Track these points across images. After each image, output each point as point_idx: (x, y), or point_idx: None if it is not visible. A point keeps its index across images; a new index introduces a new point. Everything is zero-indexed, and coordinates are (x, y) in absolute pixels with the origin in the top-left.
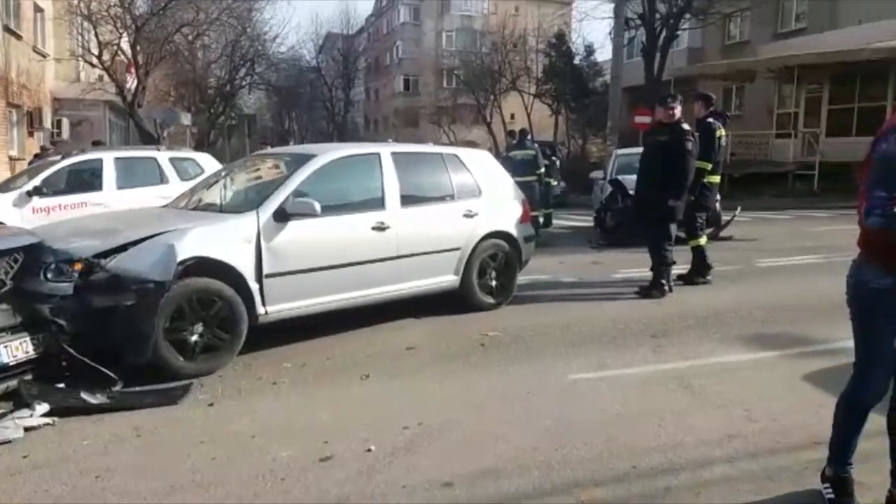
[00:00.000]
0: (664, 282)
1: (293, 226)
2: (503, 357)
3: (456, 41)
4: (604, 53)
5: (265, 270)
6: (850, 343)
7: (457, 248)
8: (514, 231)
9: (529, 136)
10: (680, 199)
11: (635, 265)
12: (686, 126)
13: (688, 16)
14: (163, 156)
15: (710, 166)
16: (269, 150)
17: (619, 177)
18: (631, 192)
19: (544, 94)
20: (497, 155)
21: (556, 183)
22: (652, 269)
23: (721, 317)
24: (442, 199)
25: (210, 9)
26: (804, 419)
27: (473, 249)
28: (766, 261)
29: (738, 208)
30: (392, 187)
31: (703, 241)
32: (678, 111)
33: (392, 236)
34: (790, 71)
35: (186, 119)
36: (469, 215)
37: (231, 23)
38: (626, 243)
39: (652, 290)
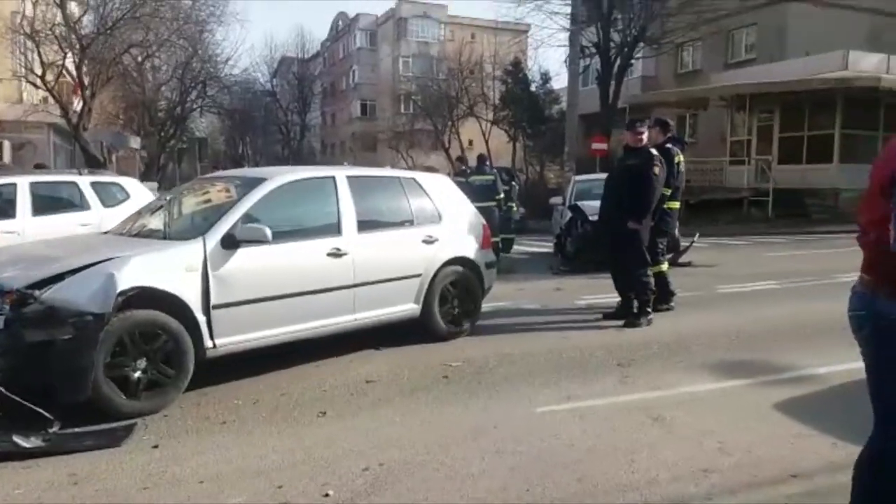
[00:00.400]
0: (649, 309)
1: (243, 253)
2: (467, 389)
3: (413, 67)
4: (560, 81)
5: (213, 301)
6: (816, 370)
7: (417, 275)
8: (475, 257)
9: (488, 162)
10: (640, 222)
11: (597, 291)
12: (654, 151)
13: (642, 45)
14: (84, 180)
15: (669, 192)
16: (219, 173)
17: (579, 203)
18: (591, 218)
19: (501, 120)
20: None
21: (516, 208)
22: (626, 296)
23: (685, 344)
24: (401, 224)
25: (160, 29)
26: (778, 451)
27: (434, 276)
28: (725, 287)
29: (697, 234)
30: (348, 212)
31: (664, 266)
32: (646, 136)
33: (349, 263)
34: (742, 99)
35: (135, 143)
36: (429, 241)
37: (181, 44)
38: (587, 269)
39: (639, 318)
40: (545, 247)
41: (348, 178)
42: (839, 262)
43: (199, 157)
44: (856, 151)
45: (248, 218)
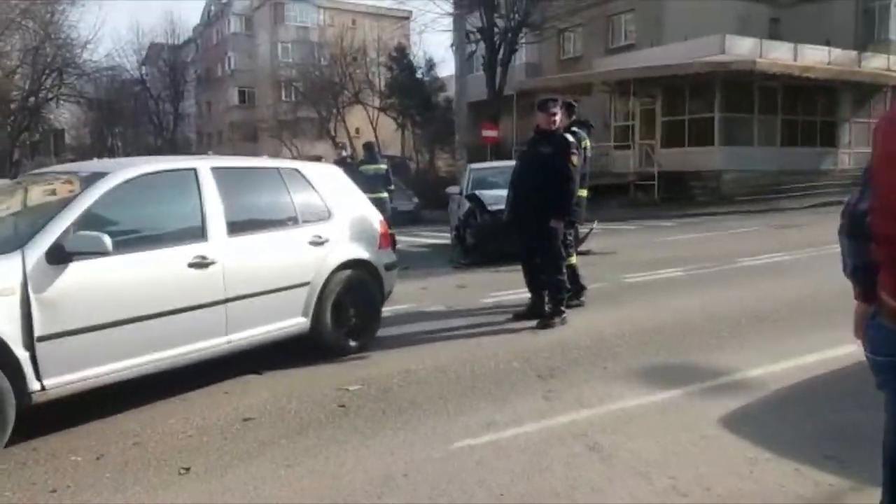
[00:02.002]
0: (563, 308)
1: (77, 269)
2: (369, 422)
3: (293, 53)
4: (446, 68)
5: (37, 332)
6: (749, 373)
7: (304, 284)
8: (372, 258)
9: (377, 150)
10: (563, 218)
11: (503, 286)
12: (570, 137)
13: (525, 30)
14: None
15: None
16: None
17: (477, 192)
18: (490, 208)
19: (388, 108)
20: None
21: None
22: (538, 294)
23: (606, 346)
24: (283, 224)
25: (0, 8)
26: (739, 484)
27: (325, 283)
28: (631, 276)
29: (595, 221)
30: (215, 212)
31: (574, 259)
32: (559, 117)
33: (218, 274)
34: (625, 84)
35: None
36: (317, 242)
37: (29, 26)
38: (489, 262)
39: (552, 318)
40: (443, 238)
41: (214, 170)
42: (733, 244)
43: (54, 150)
44: (735, 133)
45: (83, 223)
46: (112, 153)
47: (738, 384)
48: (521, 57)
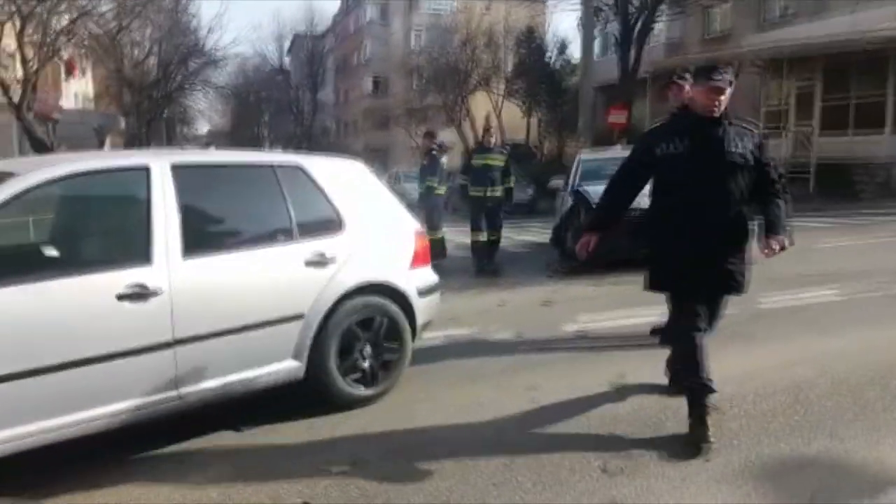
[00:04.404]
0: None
1: None
2: None
3: (424, 39)
4: (577, 50)
5: None
6: None
7: (296, 317)
8: (399, 281)
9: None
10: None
11: (597, 307)
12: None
13: (665, 5)
14: None
15: None
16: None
17: (583, 187)
18: (594, 206)
19: (515, 92)
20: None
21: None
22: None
23: (716, 417)
24: (269, 239)
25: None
26: None
27: (329, 315)
28: (770, 298)
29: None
30: (166, 225)
31: None
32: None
33: (163, 308)
34: (778, 63)
35: (123, 124)
36: (319, 262)
37: (155, 18)
38: (592, 270)
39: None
40: (549, 236)
41: (176, 169)
42: None
43: (166, 137)
44: None
45: None
46: (257, 141)
47: None
48: (661, 36)
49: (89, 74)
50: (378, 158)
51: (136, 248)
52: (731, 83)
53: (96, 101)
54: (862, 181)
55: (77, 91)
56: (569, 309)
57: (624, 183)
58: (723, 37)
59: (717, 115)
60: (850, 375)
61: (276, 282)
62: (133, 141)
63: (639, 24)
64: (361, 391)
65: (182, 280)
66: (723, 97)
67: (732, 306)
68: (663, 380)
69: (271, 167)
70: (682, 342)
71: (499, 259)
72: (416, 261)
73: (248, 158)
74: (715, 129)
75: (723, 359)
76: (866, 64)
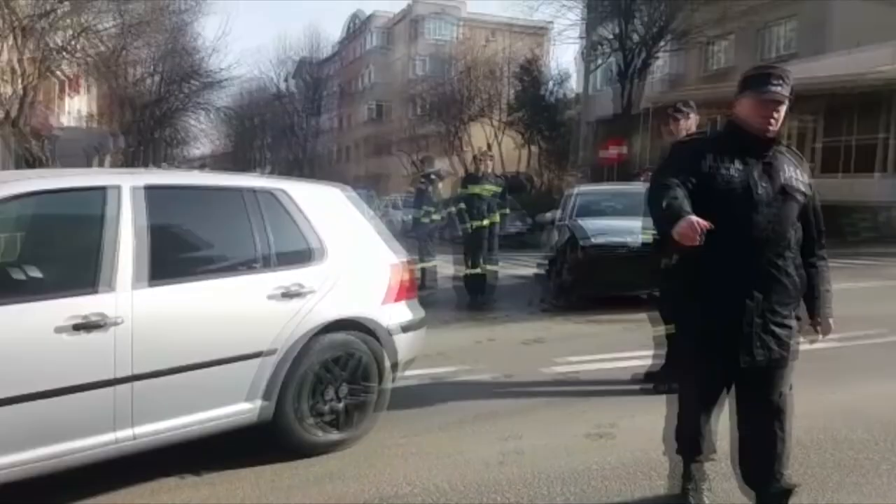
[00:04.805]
0: None
1: None
2: None
3: (427, 67)
4: (577, 84)
5: None
6: None
7: (268, 353)
8: (376, 317)
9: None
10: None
11: (588, 348)
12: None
13: (667, 38)
14: None
15: None
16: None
17: (580, 219)
18: (594, 241)
19: (514, 123)
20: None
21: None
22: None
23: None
24: (244, 267)
25: (133, 11)
26: None
27: (302, 351)
28: None
29: None
30: (135, 248)
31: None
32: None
33: (108, 341)
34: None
35: (122, 142)
36: (296, 294)
37: (156, 38)
38: (584, 306)
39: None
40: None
41: (146, 190)
42: None
43: (163, 156)
44: None
45: None
46: (257, 164)
47: None
48: (662, 69)
49: (93, 92)
50: (375, 185)
51: (99, 273)
52: (790, 95)
53: (100, 118)
54: (856, 222)
55: (79, 108)
56: (560, 348)
57: (669, 190)
58: (724, 71)
59: (771, 135)
60: (853, 432)
61: (247, 314)
62: (131, 160)
63: (639, 60)
64: (334, 435)
65: (146, 309)
66: (780, 112)
67: None
68: (653, 432)
69: (250, 191)
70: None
71: (490, 291)
72: (399, 294)
73: (224, 182)
74: (770, 151)
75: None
76: (862, 105)
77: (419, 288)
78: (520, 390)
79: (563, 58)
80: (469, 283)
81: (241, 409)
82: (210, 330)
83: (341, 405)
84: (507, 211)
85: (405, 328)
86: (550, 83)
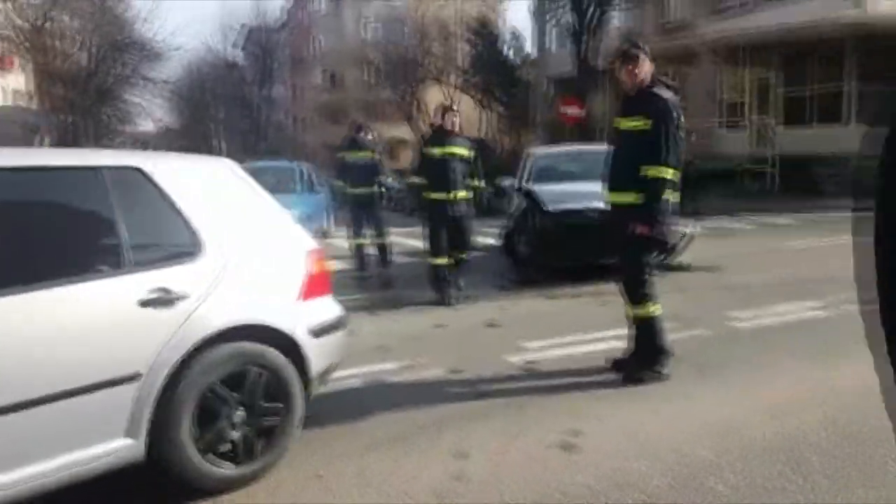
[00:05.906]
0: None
1: None
2: None
3: (378, 32)
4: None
5: None
6: None
7: (130, 378)
8: (283, 321)
9: (364, 131)
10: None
11: (553, 329)
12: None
13: None
14: None
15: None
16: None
17: (535, 186)
18: (550, 209)
19: (469, 86)
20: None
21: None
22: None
23: (691, 493)
24: (92, 269)
25: None
26: None
27: (178, 372)
28: (743, 315)
29: (696, 224)
30: None
31: (654, 308)
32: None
33: None
34: (734, 52)
35: (55, 120)
36: (163, 301)
37: (81, 6)
38: (547, 280)
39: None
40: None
41: None
42: None
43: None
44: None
45: None
46: (208, 138)
47: None
48: (616, 22)
49: (29, 69)
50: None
51: None
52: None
53: (38, 97)
54: (825, 175)
55: (13, 86)
56: (517, 331)
57: None
58: (681, 25)
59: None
60: (854, 424)
61: (98, 329)
62: (73, 138)
63: (594, 17)
64: (231, 471)
65: None
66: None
67: (702, 324)
68: (627, 438)
69: (93, 171)
70: None
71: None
72: (311, 290)
73: (67, 160)
74: None
75: (695, 402)
76: (827, 52)
77: (359, 269)
78: (471, 390)
79: (518, 16)
80: (436, 277)
81: (105, 449)
82: (42, 356)
83: (237, 434)
84: (482, 184)
85: (322, 330)
86: (504, 45)
